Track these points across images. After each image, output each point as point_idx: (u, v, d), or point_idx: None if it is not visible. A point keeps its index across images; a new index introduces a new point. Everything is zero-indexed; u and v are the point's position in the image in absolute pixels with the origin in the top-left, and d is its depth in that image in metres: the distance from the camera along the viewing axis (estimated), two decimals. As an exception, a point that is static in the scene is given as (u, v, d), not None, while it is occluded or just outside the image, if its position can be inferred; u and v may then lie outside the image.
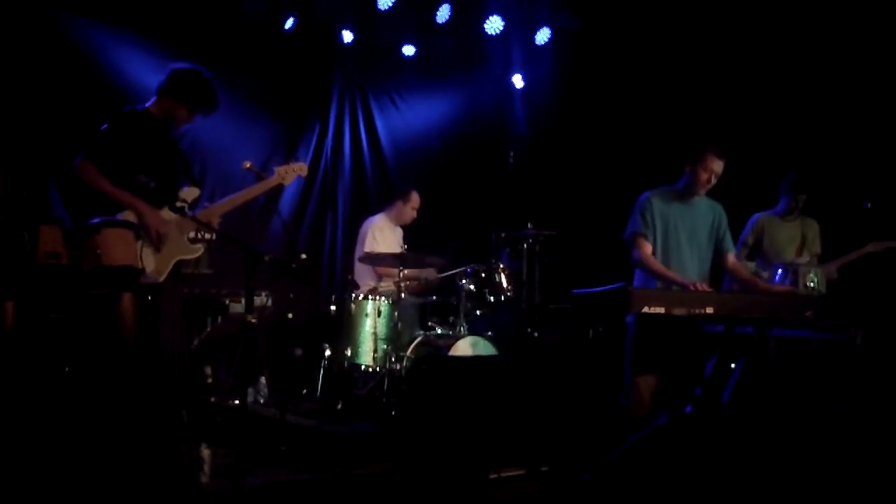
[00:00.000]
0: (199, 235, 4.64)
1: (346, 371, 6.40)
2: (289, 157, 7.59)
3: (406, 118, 8.36)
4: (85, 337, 3.74)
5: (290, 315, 5.45)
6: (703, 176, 5.13)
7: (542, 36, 8.11)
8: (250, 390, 6.06)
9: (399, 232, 7.08)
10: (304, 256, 5.56)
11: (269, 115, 7.64)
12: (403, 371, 6.07)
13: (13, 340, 3.42)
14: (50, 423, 3.50)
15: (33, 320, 3.53)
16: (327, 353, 6.50)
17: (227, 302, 5.73)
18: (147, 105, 4.57)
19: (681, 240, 5.23)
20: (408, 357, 6.13)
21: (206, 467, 4.30)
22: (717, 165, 5.14)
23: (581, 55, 7.92)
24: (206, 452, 4.32)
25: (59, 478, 3.49)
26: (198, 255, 4.57)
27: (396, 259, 6.41)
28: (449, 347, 5.99)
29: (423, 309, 6.84)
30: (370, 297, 6.40)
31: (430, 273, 6.85)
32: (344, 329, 6.37)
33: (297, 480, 4.35)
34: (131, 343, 3.81)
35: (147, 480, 3.90)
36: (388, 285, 6.70)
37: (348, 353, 6.31)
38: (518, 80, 8.37)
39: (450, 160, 8.15)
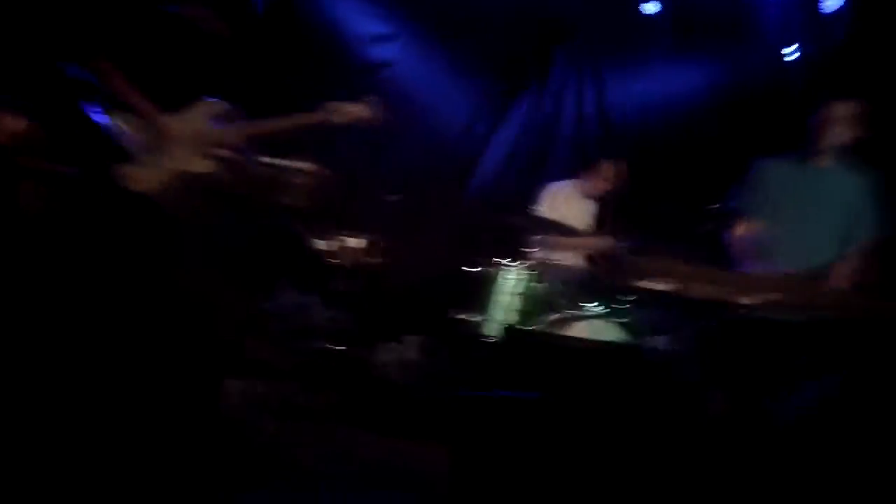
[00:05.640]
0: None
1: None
2: (497, 119, 7.35)
3: (645, 85, 7.55)
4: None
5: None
6: (822, 129, 4.04)
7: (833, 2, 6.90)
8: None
9: (587, 204, 6.41)
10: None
11: (481, 75, 7.36)
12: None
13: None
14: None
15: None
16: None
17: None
18: None
19: (796, 220, 4.15)
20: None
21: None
22: (842, 110, 4.01)
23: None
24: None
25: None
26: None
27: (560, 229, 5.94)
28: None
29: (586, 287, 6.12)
30: (510, 264, 5.90)
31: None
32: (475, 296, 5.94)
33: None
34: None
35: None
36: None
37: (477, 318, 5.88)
38: (793, 53, 7.18)
39: (687, 136, 7.23)
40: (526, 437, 3.23)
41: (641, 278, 3.56)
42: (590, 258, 6.05)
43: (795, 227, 4.13)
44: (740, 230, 4.24)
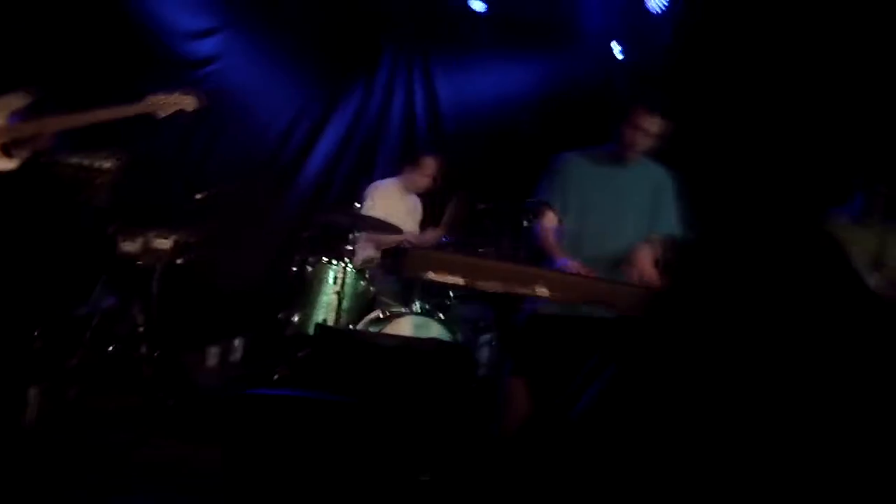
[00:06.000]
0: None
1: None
2: (324, 116, 7.25)
3: (475, 82, 7.57)
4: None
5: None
6: (630, 134, 4.09)
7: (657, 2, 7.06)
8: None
9: (412, 200, 6.41)
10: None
11: (309, 70, 7.26)
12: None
13: None
14: None
15: None
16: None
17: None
18: None
19: (600, 210, 4.21)
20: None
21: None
22: (648, 123, 4.08)
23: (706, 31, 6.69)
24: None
25: None
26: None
27: (381, 226, 5.89)
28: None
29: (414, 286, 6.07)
30: (333, 262, 5.80)
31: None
32: (299, 294, 5.82)
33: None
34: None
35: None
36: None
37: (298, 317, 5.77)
38: (618, 51, 7.32)
39: (515, 133, 7.27)
40: (311, 437, 3.17)
41: (431, 273, 3.51)
42: (382, 253, 6.05)
43: (597, 218, 4.20)
44: (545, 221, 4.28)
